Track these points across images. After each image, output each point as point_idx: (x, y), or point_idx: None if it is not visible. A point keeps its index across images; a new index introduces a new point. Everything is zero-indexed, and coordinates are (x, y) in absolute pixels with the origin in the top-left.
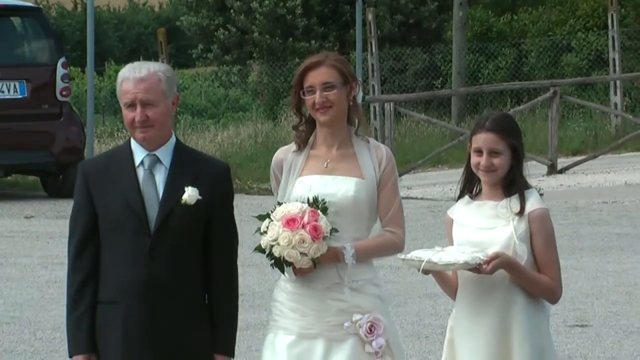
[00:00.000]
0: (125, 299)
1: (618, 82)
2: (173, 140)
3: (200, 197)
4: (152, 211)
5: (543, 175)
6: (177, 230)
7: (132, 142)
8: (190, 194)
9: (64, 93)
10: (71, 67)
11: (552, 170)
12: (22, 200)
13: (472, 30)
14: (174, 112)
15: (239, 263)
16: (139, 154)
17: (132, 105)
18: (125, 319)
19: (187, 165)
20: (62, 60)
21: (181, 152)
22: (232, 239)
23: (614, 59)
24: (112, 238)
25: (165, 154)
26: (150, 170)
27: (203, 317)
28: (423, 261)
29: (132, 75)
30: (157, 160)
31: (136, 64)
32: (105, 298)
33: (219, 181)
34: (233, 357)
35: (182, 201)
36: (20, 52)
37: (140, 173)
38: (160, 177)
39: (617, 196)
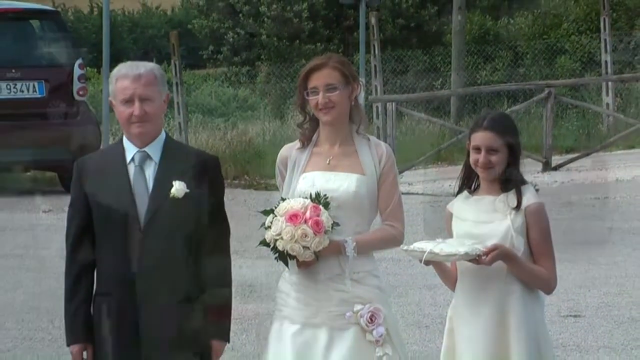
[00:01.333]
0: (118, 291)
1: (610, 83)
2: (163, 136)
3: (188, 190)
4: (142, 206)
5: (538, 172)
6: (167, 223)
7: (124, 139)
8: (177, 188)
9: (80, 92)
10: (87, 68)
11: (547, 167)
12: (40, 195)
13: (470, 33)
14: (164, 110)
15: (248, 256)
16: (130, 151)
17: (129, 101)
18: (118, 311)
19: (176, 159)
20: (79, 61)
21: (170, 147)
22: (223, 230)
23: (605, 61)
24: (105, 232)
25: (155, 149)
26: (141, 166)
27: (196, 307)
28: (425, 252)
29: (130, 72)
30: (147, 157)
31: (130, 62)
32: (99, 290)
33: (207, 173)
34: (228, 342)
35: (171, 195)
36: (39, 53)
37: (131, 169)
38: (150, 173)
39: (609, 192)
